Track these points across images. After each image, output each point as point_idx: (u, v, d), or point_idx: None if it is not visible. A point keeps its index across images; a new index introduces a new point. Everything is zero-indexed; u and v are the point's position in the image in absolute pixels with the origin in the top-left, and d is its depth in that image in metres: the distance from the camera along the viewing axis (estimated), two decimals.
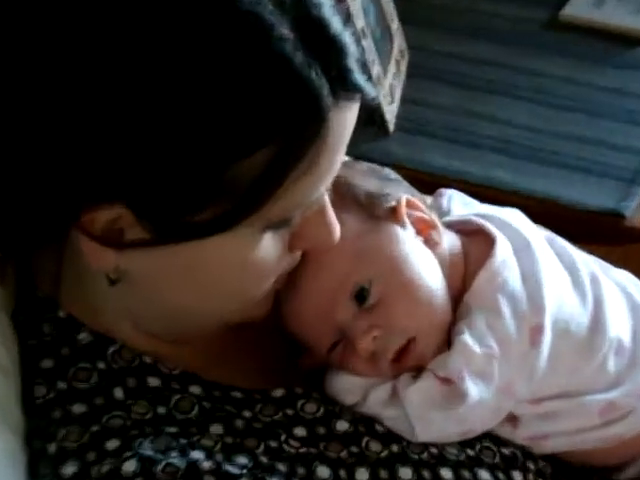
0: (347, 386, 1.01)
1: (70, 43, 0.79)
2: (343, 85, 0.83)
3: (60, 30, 0.79)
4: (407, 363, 1.00)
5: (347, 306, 0.99)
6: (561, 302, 1.02)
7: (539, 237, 1.08)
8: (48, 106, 0.80)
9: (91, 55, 0.78)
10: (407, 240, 1.02)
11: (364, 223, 1.01)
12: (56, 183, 0.84)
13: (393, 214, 1.03)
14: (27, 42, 0.80)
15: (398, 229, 1.03)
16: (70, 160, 0.82)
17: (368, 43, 1.66)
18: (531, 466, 1.02)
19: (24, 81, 0.81)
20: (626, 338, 1.05)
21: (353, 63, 0.84)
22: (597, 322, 1.03)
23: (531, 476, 1.01)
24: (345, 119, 0.85)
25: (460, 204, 1.16)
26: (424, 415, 0.98)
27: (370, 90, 0.86)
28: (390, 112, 1.73)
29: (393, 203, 1.04)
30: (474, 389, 0.97)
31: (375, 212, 1.02)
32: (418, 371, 1.01)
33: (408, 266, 1.00)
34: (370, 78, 0.88)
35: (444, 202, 1.16)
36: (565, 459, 1.06)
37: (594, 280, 1.06)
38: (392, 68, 1.77)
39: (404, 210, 1.04)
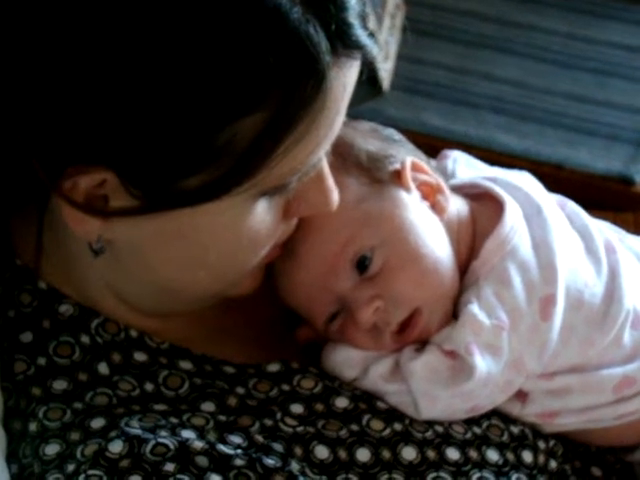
0: (346, 360, 0.98)
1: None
2: (343, 41, 0.79)
3: None
4: (411, 336, 0.97)
5: (348, 275, 0.96)
6: (574, 271, 0.99)
7: (550, 201, 1.04)
8: (31, 58, 0.78)
9: (80, 12, 0.76)
10: (412, 205, 0.99)
11: (366, 187, 0.98)
12: (36, 138, 0.81)
13: (397, 177, 0.99)
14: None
15: (403, 193, 0.99)
16: (51, 116, 0.79)
17: None
18: (541, 445, 0.99)
19: (13, 32, 0.78)
20: None
21: (354, 18, 0.80)
22: (612, 292, 1.00)
23: (541, 456, 0.98)
24: (345, 78, 0.81)
25: (465, 166, 1.12)
26: (429, 391, 0.95)
27: (372, 47, 0.83)
28: (385, 70, 1.69)
29: (397, 166, 1.00)
30: (482, 363, 0.94)
31: (378, 175, 0.99)
32: (421, 344, 0.98)
33: (413, 233, 0.97)
34: (372, 34, 0.83)
35: (449, 164, 1.11)
36: (574, 438, 1.03)
37: (609, 248, 1.02)
38: (387, 23, 1.72)
39: (409, 173, 1.00)
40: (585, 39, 1.81)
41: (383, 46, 1.70)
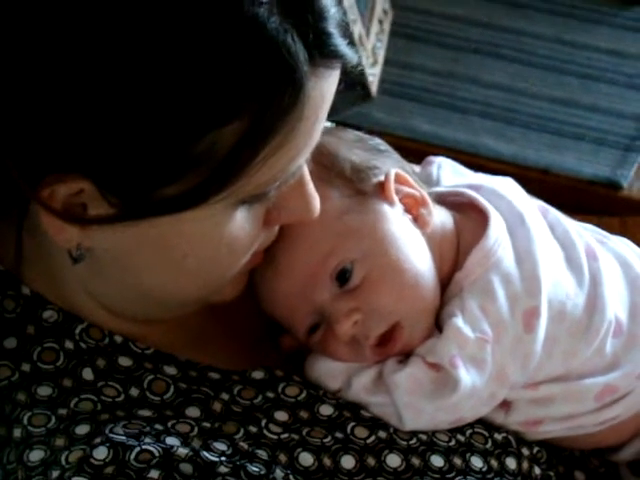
0: (329, 371, 0.97)
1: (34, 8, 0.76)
2: (321, 51, 0.79)
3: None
4: (391, 349, 0.97)
5: (328, 287, 0.96)
6: (556, 283, 0.98)
7: (533, 210, 1.04)
8: (8, 69, 0.78)
9: (53, 23, 0.76)
10: (394, 219, 0.98)
11: (349, 199, 0.97)
12: (13, 147, 0.80)
13: (380, 190, 0.99)
14: None
15: (385, 207, 0.98)
16: (28, 125, 0.79)
17: (349, 2, 1.63)
18: (525, 452, 0.99)
19: None
20: (623, 317, 1.01)
21: (333, 27, 0.80)
22: (594, 303, 0.99)
23: (525, 462, 0.98)
24: (324, 87, 0.81)
25: (450, 173, 1.11)
26: (413, 403, 0.95)
27: (352, 56, 0.82)
28: (373, 75, 1.69)
29: (381, 178, 1.00)
30: (467, 376, 0.94)
31: (361, 187, 0.98)
32: (404, 355, 0.97)
33: (394, 247, 0.96)
34: (352, 42, 0.83)
35: (433, 171, 1.11)
36: (558, 444, 1.03)
37: (590, 254, 1.02)
38: (375, 28, 1.72)
39: (392, 186, 0.99)
40: (573, 44, 1.80)
41: (371, 51, 1.70)
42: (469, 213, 1.03)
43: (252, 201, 0.85)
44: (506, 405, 0.99)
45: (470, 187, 1.06)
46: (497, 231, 0.99)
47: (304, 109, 0.79)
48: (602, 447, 1.05)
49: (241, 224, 0.86)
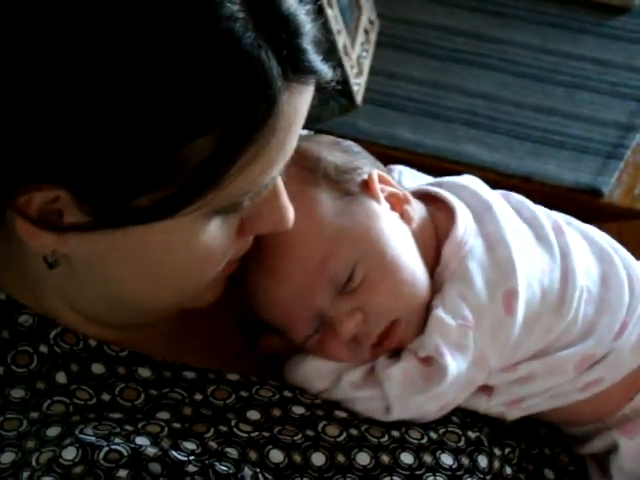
0: (315, 371, 0.98)
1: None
2: (295, 67, 0.80)
3: None
4: (389, 346, 0.98)
5: (327, 290, 0.96)
6: (530, 261, 1.00)
7: (496, 196, 1.05)
8: None
9: (27, 29, 0.77)
10: (385, 217, 1.00)
11: (339, 200, 0.98)
12: None
13: (366, 188, 1.00)
14: None
15: (374, 205, 1.00)
16: (3, 134, 0.79)
17: (334, 12, 1.63)
18: (497, 452, 1.00)
19: None
20: (593, 284, 1.03)
21: (308, 43, 0.81)
22: (567, 274, 1.01)
23: (497, 461, 0.99)
24: (297, 102, 0.82)
25: (410, 178, 1.13)
26: (404, 395, 0.96)
27: (326, 72, 0.83)
28: (357, 84, 1.69)
29: (365, 177, 1.01)
30: (453, 364, 0.95)
31: (347, 187, 0.99)
32: (394, 352, 0.99)
33: (390, 245, 0.97)
34: (328, 58, 0.84)
35: (395, 176, 1.12)
36: (544, 418, 1.05)
37: (557, 230, 1.04)
38: (360, 38, 1.73)
39: (377, 184, 1.01)
40: (556, 53, 1.81)
41: (356, 61, 1.71)
42: (438, 207, 1.04)
43: (225, 212, 0.86)
44: (488, 390, 1.00)
45: (432, 185, 1.08)
46: (464, 220, 1.00)
47: (277, 123, 0.80)
48: (588, 422, 1.05)
49: (214, 234, 0.87)
